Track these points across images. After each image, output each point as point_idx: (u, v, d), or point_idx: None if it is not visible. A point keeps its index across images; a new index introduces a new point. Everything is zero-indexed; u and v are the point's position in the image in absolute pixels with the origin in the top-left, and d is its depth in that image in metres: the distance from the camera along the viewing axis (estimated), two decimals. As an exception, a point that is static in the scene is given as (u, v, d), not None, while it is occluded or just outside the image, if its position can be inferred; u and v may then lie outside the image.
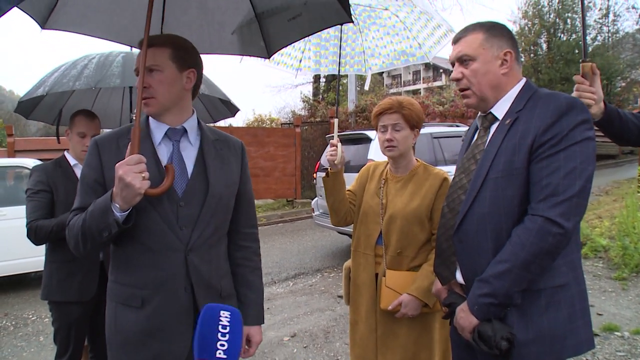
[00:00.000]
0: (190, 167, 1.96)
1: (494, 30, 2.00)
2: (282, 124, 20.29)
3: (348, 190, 2.83)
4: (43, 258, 3.18)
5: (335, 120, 2.93)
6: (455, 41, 2.06)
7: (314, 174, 9.82)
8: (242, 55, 2.67)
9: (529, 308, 1.84)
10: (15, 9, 1.81)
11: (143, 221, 1.84)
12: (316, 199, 9.37)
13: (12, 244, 6.79)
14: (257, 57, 2.65)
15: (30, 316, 6.44)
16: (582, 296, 1.90)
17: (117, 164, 1.68)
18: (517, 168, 1.84)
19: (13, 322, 6.29)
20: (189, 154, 1.98)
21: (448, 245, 2.07)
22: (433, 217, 2.57)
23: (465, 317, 1.90)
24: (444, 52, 3.76)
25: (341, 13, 2.24)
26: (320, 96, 22.65)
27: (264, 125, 20.99)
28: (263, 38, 2.53)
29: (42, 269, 3.20)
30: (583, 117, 1.80)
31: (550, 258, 1.78)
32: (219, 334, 1.74)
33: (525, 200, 1.84)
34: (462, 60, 2.01)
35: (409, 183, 2.66)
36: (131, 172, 1.66)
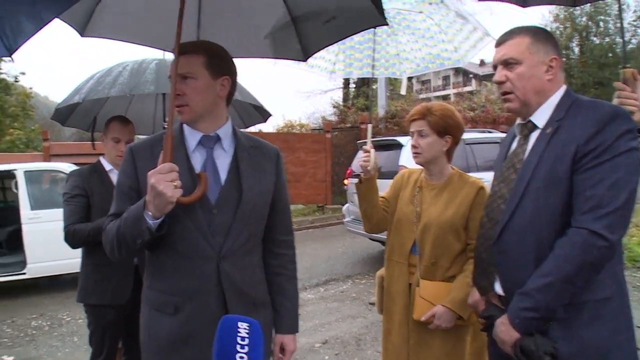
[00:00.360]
0: (223, 175, 1.95)
1: (540, 35, 1.95)
2: (312, 129, 20.31)
3: (381, 197, 2.79)
4: (77, 260, 3.22)
5: (369, 126, 2.91)
6: (499, 44, 2.01)
7: (345, 180, 9.78)
8: (278, 58, 2.67)
9: (572, 321, 1.78)
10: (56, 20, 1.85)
11: (176, 229, 1.84)
12: (347, 205, 9.33)
13: (48, 246, 6.94)
14: (294, 60, 2.65)
15: (65, 317, 6.57)
16: (626, 309, 1.84)
17: (149, 173, 1.68)
18: (559, 178, 1.79)
19: (48, 322, 6.42)
20: (223, 161, 1.97)
21: (487, 255, 2.02)
22: (469, 227, 2.51)
23: (505, 330, 1.85)
24: (474, 57, 3.71)
25: (375, 16, 2.22)
26: (350, 102, 22.60)
27: (293, 130, 21.04)
28: (299, 41, 2.52)
29: (76, 270, 3.25)
30: (627, 126, 1.75)
31: (594, 271, 1.73)
32: (238, 346, 1.72)
33: (568, 211, 1.78)
34: (506, 63, 1.96)
35: (444, 191, 2.60)
36: (163, 180, 1.65)
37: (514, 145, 2.06)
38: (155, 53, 3.24)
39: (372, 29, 2.97)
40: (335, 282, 7.72)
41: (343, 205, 10.43)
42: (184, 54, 1.85)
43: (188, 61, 1.86)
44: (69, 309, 6.78)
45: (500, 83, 1.99)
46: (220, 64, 1.94)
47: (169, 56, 3.81)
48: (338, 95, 24.68)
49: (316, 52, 2.62)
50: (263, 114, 4.15)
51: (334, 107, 22.63)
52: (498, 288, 2.00)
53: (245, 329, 1.72)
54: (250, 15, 2.48)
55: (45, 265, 7.38)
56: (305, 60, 2.62)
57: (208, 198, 1.88)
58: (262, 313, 2.01)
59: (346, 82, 22.77)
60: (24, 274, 7.44)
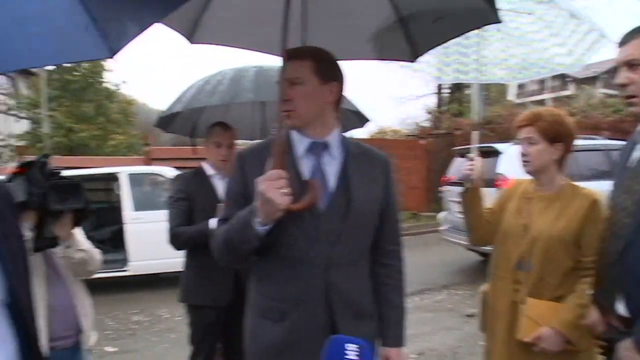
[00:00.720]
0: (332, 182, 1.92)
1: None
2: (406, 135, 20.10)
3: (487, 208, 2.65)
4: (176, 260, 3.32)
5: (474, 133, 2.78)
6: (623, 43, 1.86)
7: (440, 187, 9.54)
8: (385, 59, 2.61)
9: None
10: (161, 26, 1.90)
11: (284, 235, 1.83)
12: (444, 212, 9.10)
13: (149, 245, 7.28)
14: (402, 60, 2.58)
15: (164, 314, 6.87)
16: None
17: (258, 179, 1.68)
18: None
19: (148, 318, 6.75)
20: (332, 168, 1.94)
21: (609, 272, 1.86)
22: (582, 243, 2.31)
23: (630, 356, 1.71)
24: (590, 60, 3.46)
25: (487, 13, 2.11)
26: (444, 107, 22.12)
27: (386, 136, 20.90)
28: (408, 41, 2.45)
29: (175, 269, 3.34)
30: None
31: None
32: None
33: None
34: (630, 64, 1.81)
35: (555, 203, 2.42)
36: (272, 187, 1.64)
37: (637, 153, 1.90)
38: (255, 60, 3.29)
39: (478, 31, 2.84)
40: (431, 292, 7.54)
41: (438, 212, 10.18)
42: (292, 59, 1.85)
43: (296, 66, 1.86)
44: (167, 306, 7.07)
45: (623, 86, 1.84)
46: (329, 70, 1.92)
47: (268, 63, 3.86)
48: (431, 101, 24.23)
49: (426, 52, 2.54)
50: (361, 119, 4.11)
51: (428, 112, 22.21)
52: (621, 308, 1.86)
53: (354, 350, 1.66)
54: (356, 16, 2.44)
55: (146, 263, 7.77)
56: (414, 60, 2.55)
57: (316, 205, 1.86)
58: (367, 324, 1.97)
59: (439, 87, 22.29)
60: (126, 270, 7.89)
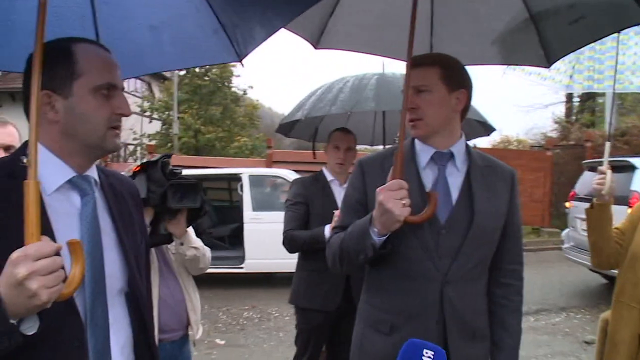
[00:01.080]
0: (455, 194, 1.83)
1: None
2: (531, 146, 19.09)
3: (615, 229, 2.40)
4: (290, 261, 3.36)
5: (607, 144, 2.55)
6: None
7: (566, 203, 8.92)
8: (516, 64, 2.46)
9: None
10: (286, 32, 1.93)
11: (401, 247, 1.76)
12: (567, 230, 8.51)
13: (265, 245, 7.50)
14: (534, 66, 2.41)
15: (274, 312, 7.05)
16: None
17: (378, 189, 1.64)
18: None
19: (259, 315, 6.96)
20: (455, 180, 1.85)
21: None
22: None
23: None
24: None
25: (633, 12, 1.88)
26: (574, 117, 20.71)
27: (510, 146, 20.00)
28: (541, 44, 2.28)
29: (288, 270, 3.39)
30: None
31: None
32: None
33: None
34: None
35: None
36: (392, 198, 1.59)
37: None
38: (377, 67, 3.26)
39: (615, 35, 2.58)
40: (547, 313, 7.06)
41: (562, 229, 9.58)
42: (418, 66, 1.79)
43: (423, 73, 1.79)
44: (278, 305, 7.25)
45: None
46: (457, 77, 1.83)
47: (389, 70, 3.82)
48: (560, 110, 22.77)
49: (562, 57, 2.35)
50: (487, 129, 3.94)
51: (556, 122, 20.91)
52: None
53: (429, 356, 1.58)
54: (485, 19, 2.33)
55: (261, 262, 8.03)
56: (548, 66, 2.37)
57: (437, 218, 1.78)
58: (480, 346, 1.87)
59: (569, 95, 20.88)
60: (242, 268, 8.21)
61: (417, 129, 1.82)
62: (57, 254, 1.05)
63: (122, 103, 1.33)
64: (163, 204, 2.31)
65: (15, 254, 1.01)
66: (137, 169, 2.38)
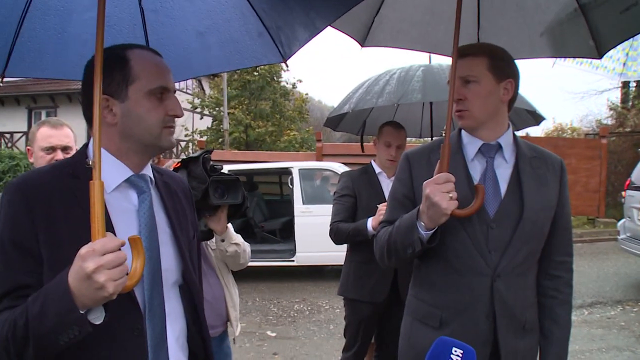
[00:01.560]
0: (503, 187, 1.80)
1: None
2: (585, 134, 18.43)
3: None
4: (340, 254, 3.38)
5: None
6: None
7: (623, 192, 8.59)
8: (566, 57, 2.39)
9: None
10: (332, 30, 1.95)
11: (450, 241, 1.76)
12: (623, 220, 8.19)
13: (316, 238, 7.55)
14: (585, 58, 2.34)
15: (324, 305, 7.12)
16: None
17: (424, 182, 1.64)
18: None
19: (309, 308, 7.04)
20: (503, 172, 1.82)
21: None
22: None
23: None
24: None
25: None
26: (630, 103, 19.79)
27: (564, 135, 19.37)
28: (591, 35, 2.21)
29: (339, 263, 3.42)
30: None
31: None
32: None
33: None
34: None
35: None
36: (438, 191, 1.59)
37: None
38: (424, 59, 3.24)
39: None
40: (602, 306, 6.84)
41: (617, 219, 9.22)
42: (465, 57, 1.77)
43: (470, 64, 1.77)
44: (328, 298, 7.32)
45: None
46: (504, 66, 1.80)
47: (435, 61, 3.78)
48: (615, 96, 21.80)
49: (613, 47, 2.27)
50: (536, 118, 3.85)
51: (611, 109, 20.05)
52: None
53: (458, 355, 1.57)
54: (532, 11, 2.27)
55: (312, 255, 8.10)
56: (600, 57, 2.29)
57: (486, 211, 1.77)
58: (530, 338, 1.84)
59: (625, 81, 19.96)
60: (293, 261, 8.29)
61: (464, 120, 1.81)
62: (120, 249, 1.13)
63: (175, 105, 1.39)
64: (204, 200, 2.29)
65: (83, 249, 1.09)
66: (178, 165, 2.40)
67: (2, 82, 1.94)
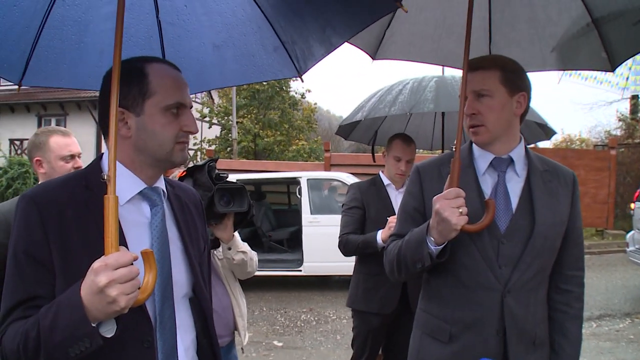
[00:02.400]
0: (515, 201, 1.79)
1: None
2: (594, 145, 18.35)
3: None
4: (347, 264, 3.37)
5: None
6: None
7: (632, 204, 8.54)
8: (580, 69, 2.38)
9: None
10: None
11: (460, 255, 1.75)
12: (632, 232, 8.14)
13: (323, 248, 7.56)
14: (597, 70, 2.33)
15: (331, 315, 7.09)
16: None
17: (434, 197, 1.63)
18: None
19: (316, 318, 7.01)
20: (515, 186, 1.81)
21: None
22: None
23: None
24: None
25: None
26: (639, 114, 19.67)
27: (572, 146, 19.28)
28: (604, 47, 2.20)
29: (346, 273, 3.40)
30: None
31: None
32: None
33: None
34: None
35: None
36: (449, 207, 1.58)
37: None
38: (436, 71, 3.25)
39: None
40: (611, 319, 6.78)
41: (626, 231, 9.19)
42: (476, 70, 1.76)
43: (482, 77, 1.75)
44: (335, 308, 7.29)
45: None
46: (517, 79, 1.79)
47: (448, 72, 3.79)
48: (625, 107, 21.70)
49: (626, 59, 2.26)
50: (547, 132, 3.84)
51: (620, 120, 19.96)
52: None
53: None
54: (544, 25, 2.27)
55: (319, 265, 8.08)
56: (612, 70, 2.28)
57: (497, 226, 1.75)
58: (540, 353, 1.82)
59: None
60: (300, 270, 8.27)
61: (479, 136, 1.79)
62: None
63: (190, 121, 1.40)
64: (210, 209, 2.28)
65: (96, 264, 1.10)
66: (183, 173, 2.40)
67: (18, 90, 1.97)
